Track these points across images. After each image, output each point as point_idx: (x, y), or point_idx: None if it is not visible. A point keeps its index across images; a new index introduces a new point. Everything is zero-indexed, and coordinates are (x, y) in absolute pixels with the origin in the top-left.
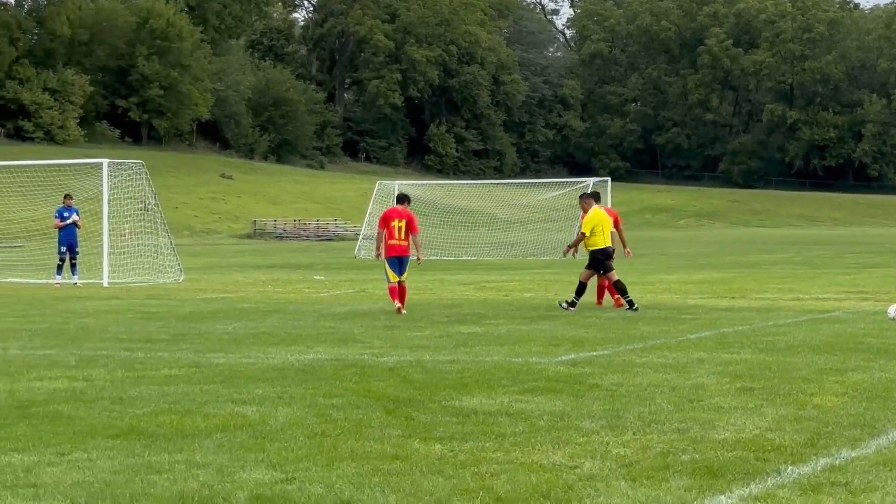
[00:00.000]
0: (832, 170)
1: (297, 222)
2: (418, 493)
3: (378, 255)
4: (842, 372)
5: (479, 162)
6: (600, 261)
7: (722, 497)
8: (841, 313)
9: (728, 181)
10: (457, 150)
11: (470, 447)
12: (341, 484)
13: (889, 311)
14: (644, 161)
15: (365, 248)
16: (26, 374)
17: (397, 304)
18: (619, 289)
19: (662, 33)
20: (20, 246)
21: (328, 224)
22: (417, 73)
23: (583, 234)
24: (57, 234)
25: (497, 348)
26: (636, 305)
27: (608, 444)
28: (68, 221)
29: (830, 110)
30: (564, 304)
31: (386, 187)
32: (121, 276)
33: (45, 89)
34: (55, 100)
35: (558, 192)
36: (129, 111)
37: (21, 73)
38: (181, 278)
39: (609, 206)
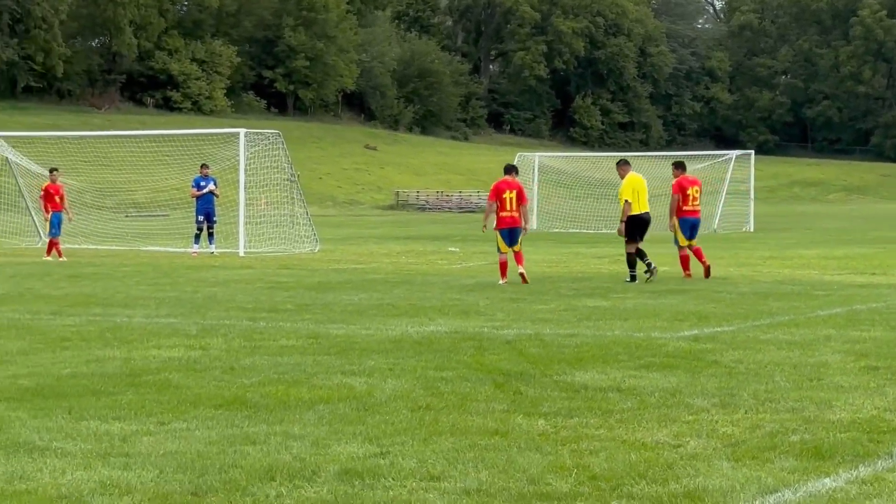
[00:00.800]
0: None
1: (439, 194)
2: (511, 469)
3: (485, 228)
4: None
5: (625, 134)
6: (629, 228)
7: (827, 480)
8: None
9: (880, 155)
10: (602, 123)
11: (574, 423)
12: (435, 459)
13: None
14: (793, 134)
15: None
16: (145, 343)
17: (504, 280)
18: (629, 261)
19: (814, 4)
20: (165, 215)
21: (470, 196)
22: (563, 45)
23: (627, 202)
24: (195, 203)
25: (620, 322)
26: (636, 279)
27: (717, 422)
28: (205, 191)
29: None
30: (628, 280)
31: (525, 159)
32: (257, 245)
33: (192, 60)
34: (203, 70)
35: (700, 164)
36: (275, 82)
37: (170, 44)
38: (317, 248)
39: (753, 179)
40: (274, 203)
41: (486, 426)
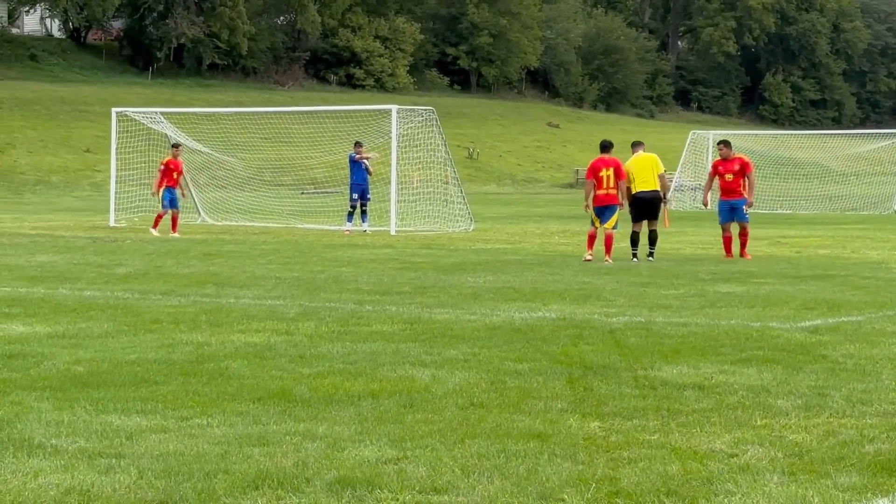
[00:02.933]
0: None
1: None
2: (529, 481)
3: (587, 207)
4: None
5: (816, 112)
6: (632, 208)
7: (883, 500)
8: None
9: None
10: (792, 101)
11: (630, 426)
12: (451, 467)
13: None
14: None
15: (676, 200)
16: (234, 327)
17: (589, 255)
18: (631, 240)
19: None
20: (338, 191)
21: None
22: (753, 21)
23: (626, 185)
24: (350, 181)
25: (744, 311)
26: (638, 258)
27: (790, 427)
28: (365, 161)
29: None
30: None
31: (699, 137)
32: (410, 224)
33: (376, 37)
34: (385, 48)
35: (885, 142)
36: (458, 59)
37: (353, 21)
38: (471, 227)
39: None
40: (427, 181)
41: (531, 428)
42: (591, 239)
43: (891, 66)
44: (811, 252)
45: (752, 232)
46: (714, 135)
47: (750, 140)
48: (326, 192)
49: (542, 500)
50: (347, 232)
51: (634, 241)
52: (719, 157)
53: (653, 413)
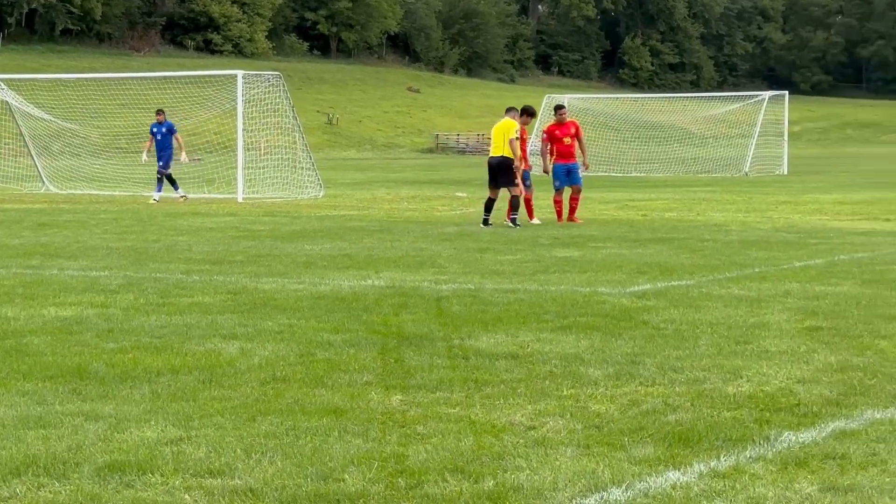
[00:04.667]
0: None
1: (480, 137)
2: (313, 460)
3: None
4: None
5: (675, 76)
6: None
7: (675, 472)
8: None
9: None
10: (652, 64)
11: (432, 399)
12: (233, 447)
13: None
14: (848, 75)
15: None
16: (50, 299)
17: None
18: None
19: None
20: (199, 160)
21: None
22: None
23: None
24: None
25: (576, 276)
26: (489, 224)
27: (595, 397)
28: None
29: None
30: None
31: (554, 101)
32: (258, 191)
33: (233, 2)
34: (244, 13)
35: (733, 105)
36: (317, 24)
37: None
38: (321, 194)
39: (787, 121)
40: (276, 147)
41: (329, 403)
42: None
43: (747, 29)
44: (657, 215)
45: (600, 195)
46: (570, 98)
47: (610, 104)
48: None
49: (321, 480)
50: (182, 198)
51: (488, 206)
52: (554, 122)
53: (459, 385)
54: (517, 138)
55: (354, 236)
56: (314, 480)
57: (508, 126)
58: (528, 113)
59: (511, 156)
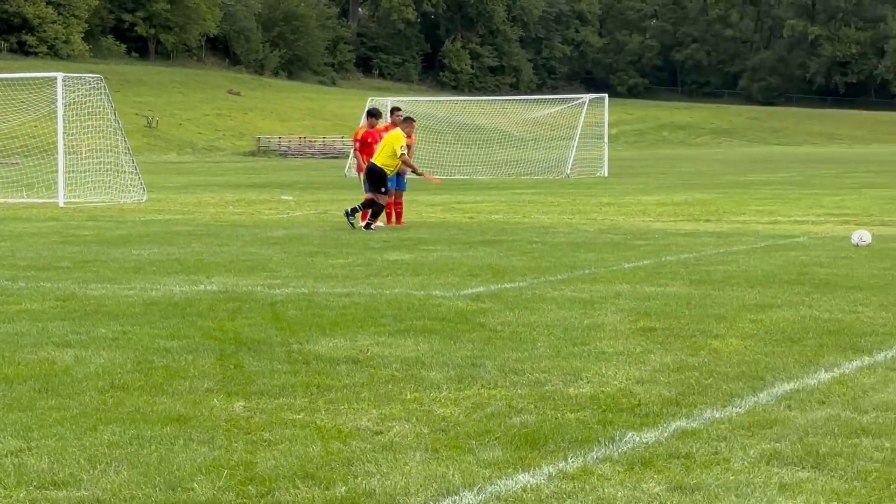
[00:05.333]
0: (853, 86)
1: (302, 139)
2: (159, 469)
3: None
4: (765, 308)
5: (495, 78)
6: None
7: (525, 475)
8: (806, 239)
9: (748, 98)
10: (472, 67)
11: (276, 405)
12: (77, 457)
13: (853, 237)
14: (663, 78)
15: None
16: None
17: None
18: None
19: None
20: (16, 163)
21: (334, 141)
22: None
23: None
24: None
25: (409, 279)
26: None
27: (440, 401)
28: None
29: (852, 25)
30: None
31: (377, 104)
32: (80, 195)
33: (48, 3)
34: (59, 13)
35: (555, 108)
36: (135, 25)
37: None
38: (144, 198)
39: (607, 123)
40: (97, 150)
41: (171, 411)
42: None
43: (565, 32)
44: (484, 217)
45: (427, 198)
46: (392, 101)
47: (431, 106)
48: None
49: (170, 490)
50: None
51: (373, 211)
52: (389, 124)
53: (302, 390)
54: (404, 154)
55: (182, 241)
56: (163, 490)
57: (396, 139)
58: (409, 120)
59: (389, 165)
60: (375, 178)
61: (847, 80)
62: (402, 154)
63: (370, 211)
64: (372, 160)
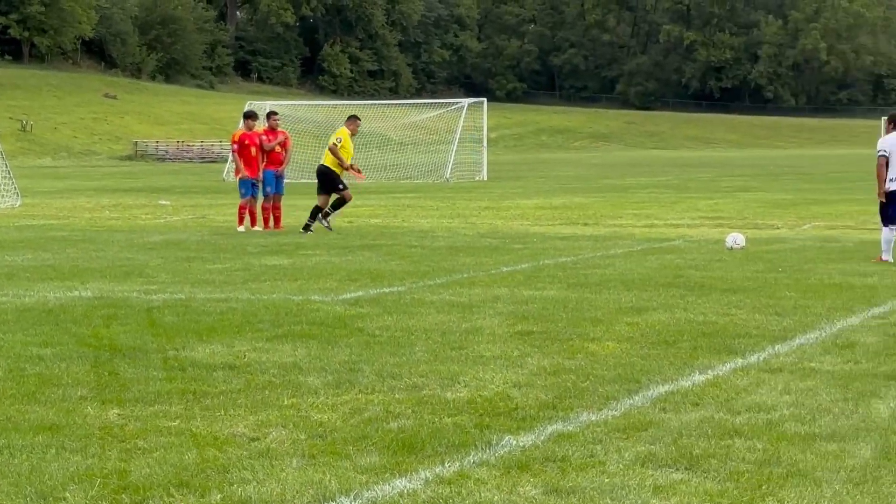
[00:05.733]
0: (728, 91)
1: (180, 144)
2: (30, 479)
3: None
4: (641, 311)
5: (374, 83)
6: None
7: (402, 480)
8: (681, 242)
9: (625, 103)
10: (351, 71)
11: (151, 413)
12: None
13: (727, 240)
14: (541, 82)
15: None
16: None
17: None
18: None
19: None
20: None
21: (213, 145)
22: None
23: None
24: None
25: (288, 284)
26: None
27: (317, 406)
28: None
29: (727, 31)
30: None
31: (256, 108)
32: None
33: None
34: None
35: (434, 112)
36: (8, 28)
37: None
38: (17, 203)
39: (486, 127)
40: None
41: (44, 419)
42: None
43: (444, 37)
44: (363, 222)
45: (306, 202)
46: (271, 105)
47: (310, 110)
48: None
49: (41, 499)
50: None
51: (313, 213)
52: (267, 127)
53: (178, 397)
54: (336, 144)
55: (57, 246)
56: (34, 500)
57: (336, 134)
58: (354, 118)
59: (329, 164)
60: (327, 179)
61: (722, 85)
62: (334, 144)
63: (332, 204)
64: (322, 163)
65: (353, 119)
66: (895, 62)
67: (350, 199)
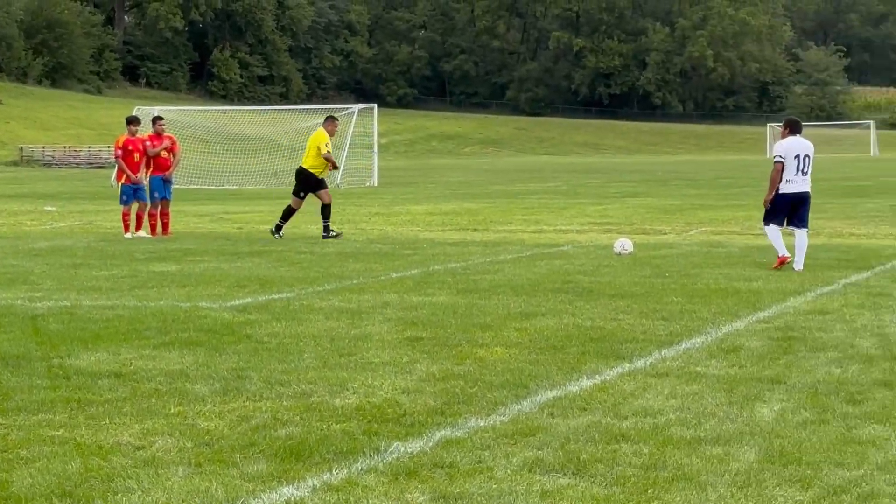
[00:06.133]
0: (617, 98)
1: (67, 149)
2: None
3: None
4: (529, 317)
5: (265, 88)
6: None
7: (289, 488)
8: (570, 248)
9: (515, 109)
10: (241, 76)
11: (35, 422)
12: None
13: (615, 245)
14: (432, 88)
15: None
16: None
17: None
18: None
19: None
20: None
21: (101, 151)
22: None
23: None
24: None
25: (175, 290)
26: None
27: (204, 414)
28: None
29: (615, 38)
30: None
31: (144, 113)
32: None
33: None
34: None
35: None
36: None
37: None
38: None
39: (376, 133)
40: None
41: None
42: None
43: (334, 42)
44: (253, 228)
45: (195, 208)
46: (159, 110)
47: (200, 116)
48: None
49: None
50: None
51: (285, 214)
52: (152, 132)
53: (62, 406)
54: (330, 151)
55: None
56: None
57: (320, 138)
58: (331, 118)
59: (317, 167)
60: (307, 180)
61: (611, 92)
62: (328, 152)
63: (322, 214)
64: (301, 164)
65: (331, 120)
66: (780, 69)
67: (330, 200)
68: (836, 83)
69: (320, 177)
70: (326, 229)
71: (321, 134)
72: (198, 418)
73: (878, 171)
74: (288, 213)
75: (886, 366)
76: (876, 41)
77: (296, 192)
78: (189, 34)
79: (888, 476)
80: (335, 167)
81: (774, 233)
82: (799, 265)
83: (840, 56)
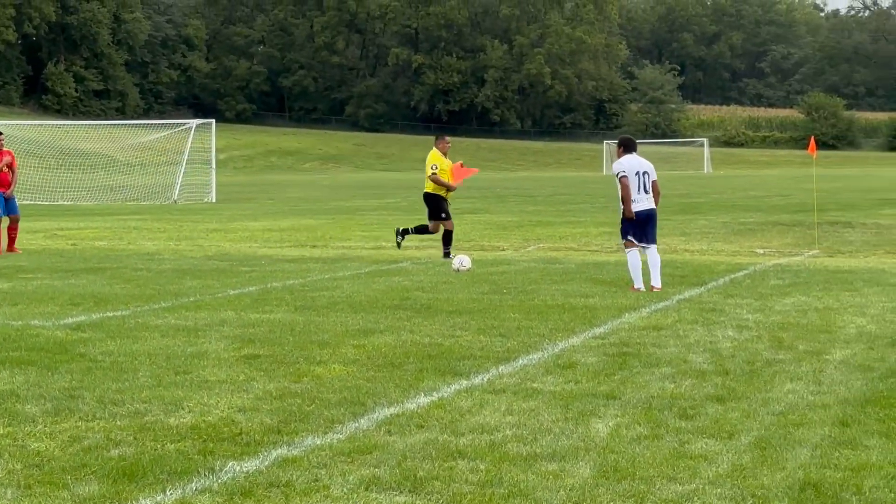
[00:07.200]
0: (456, 114)
1: None
2: None
3: None
4: (367, 334)
5: (101, 102)
6: None
7: None
8: (409, 264)
9: (355, 125)
10: (76, 90)
11: None
12: None
13: (454, 262)
14: (271, 104)
15: None
16: None
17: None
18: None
19: None
20: None
21: None
22: (33, 9)
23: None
24: None
25: (6, 309)
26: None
27: (35, 435)
28: None
29: (454, 55)
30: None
31: None
32: None
33: None
34: None
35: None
36: None
37: None
38: None
39: (214, 148)
40: None
41: None
42: None
43: (172, 57)
44: (87, 244)
45: (28, 225)
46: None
47: (33, 130)
48: None
49: None
50: None
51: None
52: None
53: None
54: (435, 172)
55: None
56: None
57: (429, 159)
58: (443, 136)
59: (431, 190)
60: (432, 204)
61: (450, 108)
62: (433, 174)
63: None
64: (424, 189)
65: (441, 138)
66: (616, 87)
67: (436, 232)
68: (671, 101)
69: (446, 196)
70: (405, 232)
71: (432, 155)
72: (28, 439)
73: (711, 188)
74: (446, 239)
75: (718, 381)
76: (709, 60)
77: (430, 217)
78: (22, 47)
79: (719, 490)
80: (448, 188)
81: (634, 260)
82: (656, 282)
83: (674, 74)
